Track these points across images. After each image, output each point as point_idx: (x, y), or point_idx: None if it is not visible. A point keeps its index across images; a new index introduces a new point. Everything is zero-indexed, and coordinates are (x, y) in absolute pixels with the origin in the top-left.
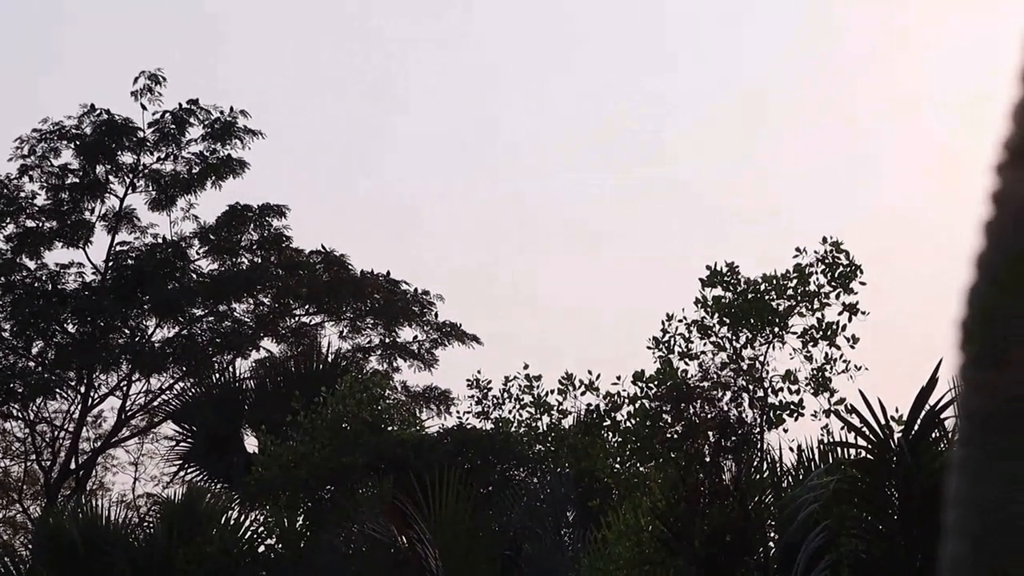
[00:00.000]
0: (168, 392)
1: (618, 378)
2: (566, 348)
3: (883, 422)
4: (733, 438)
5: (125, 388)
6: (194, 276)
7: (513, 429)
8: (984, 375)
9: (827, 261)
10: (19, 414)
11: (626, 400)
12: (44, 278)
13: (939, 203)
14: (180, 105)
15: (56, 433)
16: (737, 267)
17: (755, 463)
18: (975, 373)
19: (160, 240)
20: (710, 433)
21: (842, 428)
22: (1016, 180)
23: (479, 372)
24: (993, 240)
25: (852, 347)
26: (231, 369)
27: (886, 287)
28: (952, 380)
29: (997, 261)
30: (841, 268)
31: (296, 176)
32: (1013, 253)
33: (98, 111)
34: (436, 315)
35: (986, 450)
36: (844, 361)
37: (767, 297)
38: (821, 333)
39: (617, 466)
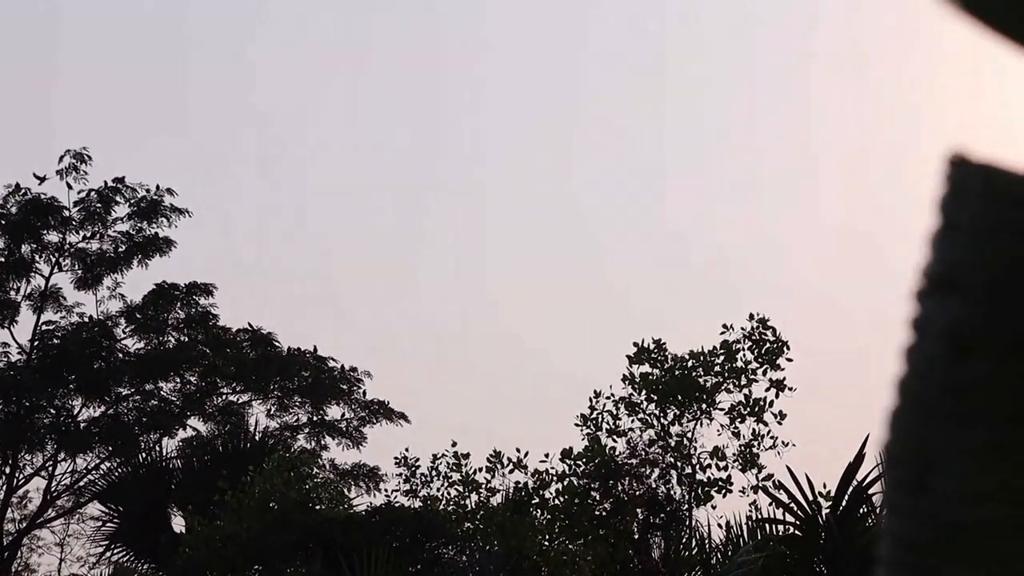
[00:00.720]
0: (94, 472)
1: (546, 456)
2: (494, 425)
3: (811, 498)
4: (662, 515)
5: (51, 468)
6: (120, 355)
7: (442, 507)
8: (909, 501)
9: (754, 338)
10: None
11: (554, 478)
12: None
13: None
14: (106, 184)
15: None
16: (664, 344)
17: (684, 540)
18: (900, 498)
19: (86, 319)
20: (639, 510)
21: (770, 504)
22: (936, 308)
23: (407, 450)
24: (915, 367)
25: (779, 423)
26: (158, 448)
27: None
28: (878, 457)
29: (919, 388)
30: (768, 344)
31: (223, 253)
32: (935, 380)
33: (23, 190)
34: (364, 392)
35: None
36: (772, 437)
37: (695, 374)
38: (749, 409)
39: (546, 544)
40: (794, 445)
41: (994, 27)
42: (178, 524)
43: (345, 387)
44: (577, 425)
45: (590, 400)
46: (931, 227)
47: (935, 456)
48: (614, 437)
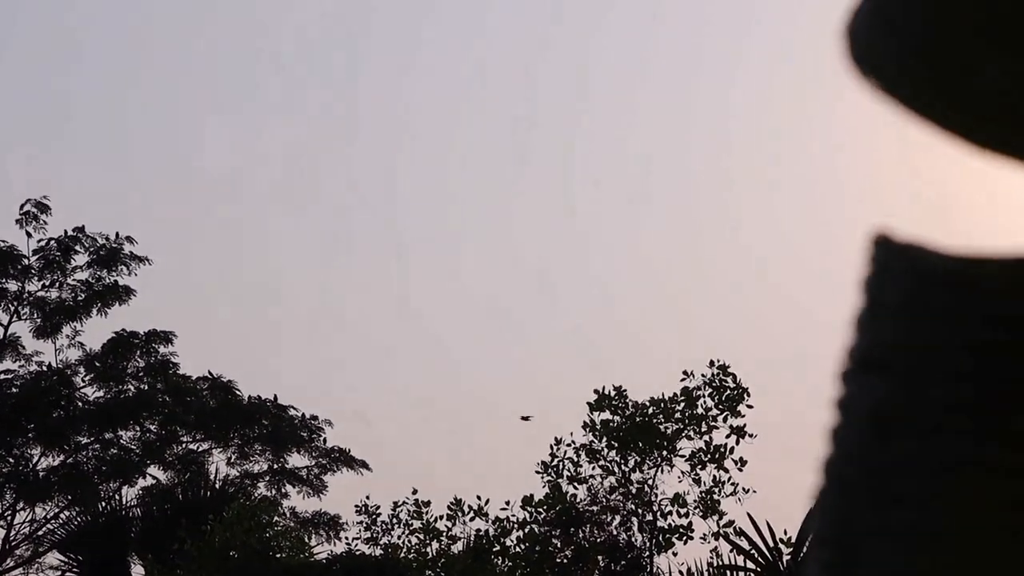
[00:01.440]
0: (54, 521)
1: (507, 503)
2: (455, 473)
3: (772, 545)
4: (623, 562)
5: (9, 517)
6: (80, 404)
7: (403, 555)
8: None
9: (714, 384)
10: None
11: (516, 525)
12: None
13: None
14: (66, 232)
15: None
16: (625, 391)
17: None
18: None
19: (45, 368)
20: (600, 557)
21: (732, 551)
22: (861, 388)
23: (368, 498)
24: (839, 448)
25: (740, 470)
26: (117, 497)
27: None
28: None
29: (844, 469)
30: (728, 391)
31: (183, 301)
32: (859, 461)
33: None
34: (325, 440)
35: None
36: (733, 484)
37: (655, 420)
38: (709, 456)
39: None
40: (755, 492)
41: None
42: (138, 573)
43: (306, 435)
44: (538, 472)
45: (551, 447)
46: (856, 307)
47: (860, 538)
48: (575, 484)
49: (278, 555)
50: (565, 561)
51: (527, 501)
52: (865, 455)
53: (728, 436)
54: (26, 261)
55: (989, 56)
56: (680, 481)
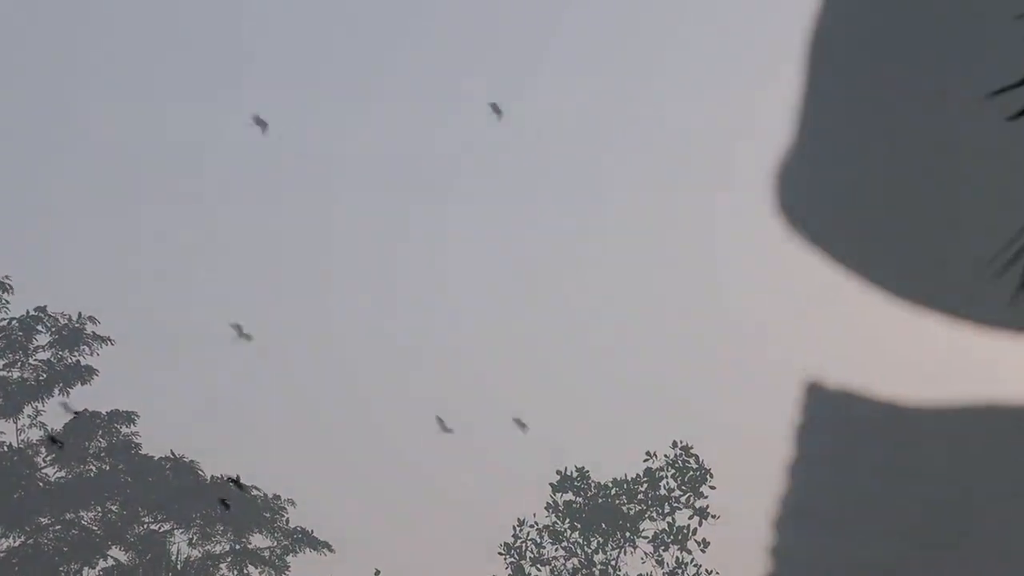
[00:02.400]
0: None
1: None
2: (418, 554)
3: None
4: None
5: None
6: (41, 484)
7: None
8: None
9: (677, 465)
10: None
11: None
12: None
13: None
14: (28, 312)
15: None
16: (588, 471)
17: None
18: None
19: (6, 448)
20: None
21: None
22: (793, 536)
23: None
24: None
25: (703, 551)
26: None
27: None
28: None
29: None
30: (691, 472)
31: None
32: None
33: None
34: (287, 521)
35: None
36: (695, 565)
37: (618, 502)
38: (672, 537)
39: None
40: (718, 573)
41: (842, 261)
42: None
43: (268, 515)
44: (501, 554)
45: (514, 529)
46: (787, 456)
47: None
48: (538, 566)
49: None
50: None
51: None
52: None
53: (691, 517)
54: None
55: (907, 217)
56: (643, 562)
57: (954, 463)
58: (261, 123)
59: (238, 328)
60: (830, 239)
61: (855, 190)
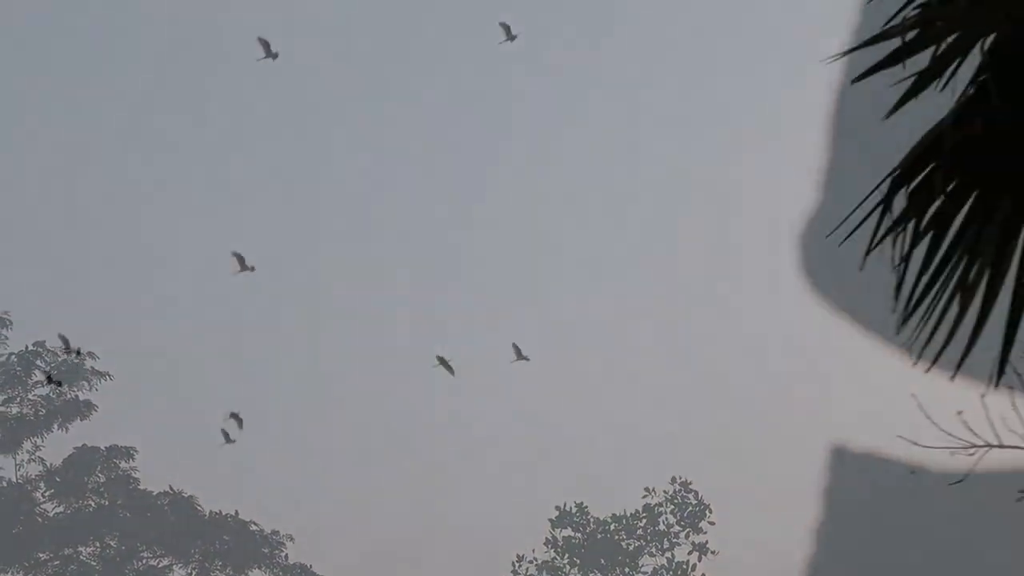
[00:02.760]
0: None
1: None
2: None
3: None
4: None
5: None
6: (40, 519)
7: None
8: None
9: (676, 500)
10: None
11: None
12: None
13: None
14: (27, 347)
15: None
16: (587, 507)
17: None
18: None
19: (4, 484)
20: None
21: None
22: None
23: None
24: None
25: None
26: None
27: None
28: None
29: None
30: (690, 507)
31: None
32: None
33: None
34: (286, 556)
35: None
36: None
37: (617, 537)
38: (672, 573)
39: None
40: None
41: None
42: None
43: (267, 551)
44: None
45: (513, 565)
46: (816, 518)
47: None
48: None
49: None
50: None
51: None
52: None
53: (690, 553)
54: None
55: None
56: None
57: (973, 527)
58: None
59: (236, 418)
60: (853, 304)
61: (878, 257)
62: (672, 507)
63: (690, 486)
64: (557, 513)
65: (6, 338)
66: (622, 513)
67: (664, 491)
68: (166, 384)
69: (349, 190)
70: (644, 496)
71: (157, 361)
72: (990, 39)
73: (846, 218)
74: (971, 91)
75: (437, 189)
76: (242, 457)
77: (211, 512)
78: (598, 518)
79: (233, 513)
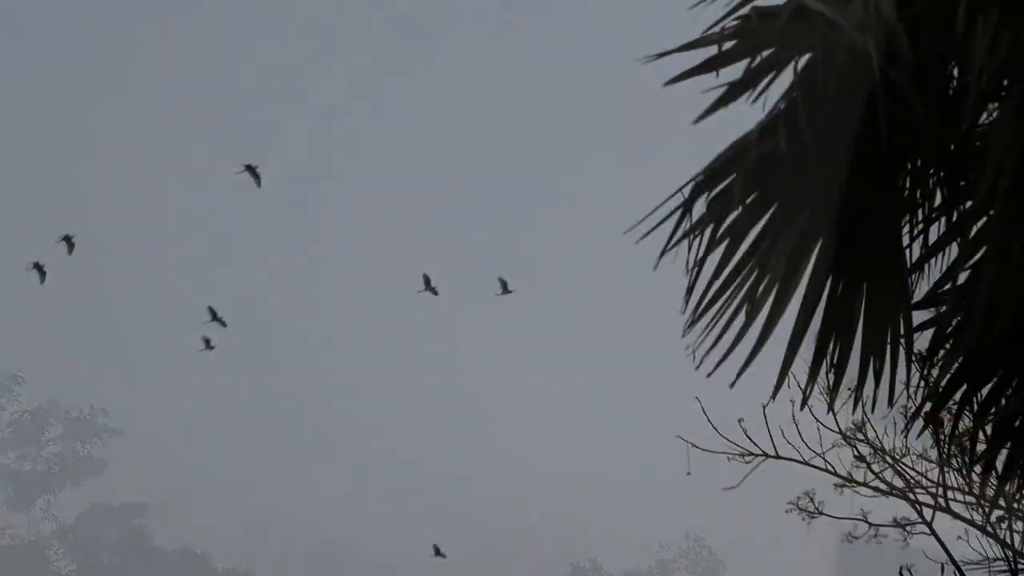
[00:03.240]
0: None
1: None
2: None
3: None
4: None
5: None
6: None
7: None
8: None
9: (690, 556)
10: None
11: None
12: None
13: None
14: (39, 405)
15: None
16: (600, 564)
17: None
18: None
19: (18, 541)
20: None
21: None
22: None
23: None
24: None
25: None
26: None
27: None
28: None
29: None
30: (704, 563)
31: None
32: None
33: None
34: None
35: None
36: None
37: None
38: None
39: None
40: None
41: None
42: None
43: None
44: None
45: None
46: None
47: None
48: None
49: None
50: None
51: None
52: None
53: None
54: None
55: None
56: None
57: None
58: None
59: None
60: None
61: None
62: (686, 563)
63: (703, 542)
64: (571, 570)
65: (19, 395)
66: (635, 570)
67: (678, 546)
68: (179, 437)
69: None
70: (657, 551)
71: (170, 416)
72: (804, 59)
73: (644, 218)
74: (781, 106)
75: None
76: (253, 516)
77: (223, 568)
78: (611, 573)
79: (244, 570)
